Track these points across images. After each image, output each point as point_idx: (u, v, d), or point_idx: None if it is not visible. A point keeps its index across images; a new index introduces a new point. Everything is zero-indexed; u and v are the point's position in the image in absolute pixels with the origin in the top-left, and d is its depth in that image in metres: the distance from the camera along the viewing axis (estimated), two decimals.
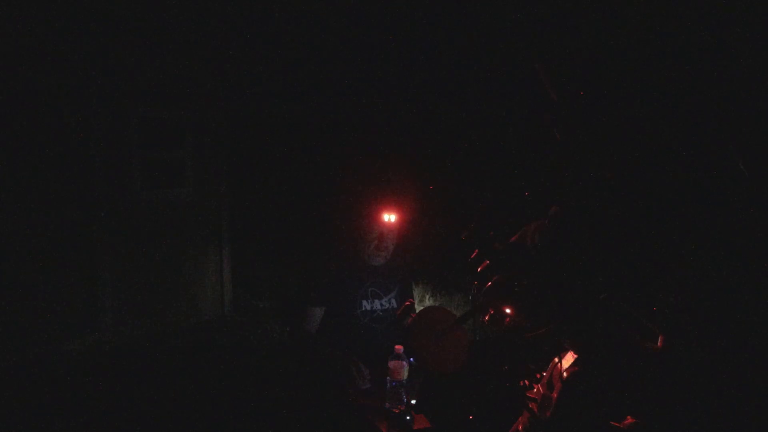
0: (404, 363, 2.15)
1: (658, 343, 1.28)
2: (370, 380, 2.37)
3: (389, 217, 2.67)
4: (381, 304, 2.80)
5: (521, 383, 1.57)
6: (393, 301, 2.85)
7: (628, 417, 1.27)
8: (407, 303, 2.47)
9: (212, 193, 6.15)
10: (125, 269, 5.42)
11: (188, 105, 5.86)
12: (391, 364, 2.14)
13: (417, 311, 2.23)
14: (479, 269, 1.48)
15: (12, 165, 4.68)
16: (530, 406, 1.49)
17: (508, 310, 1.46)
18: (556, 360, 1.50)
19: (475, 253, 1.51)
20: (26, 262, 4.79)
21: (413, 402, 2.11)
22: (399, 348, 2.18)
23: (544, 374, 1.53)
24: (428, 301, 6.66)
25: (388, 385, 2.13)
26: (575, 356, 1.41)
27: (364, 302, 2.76)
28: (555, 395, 1.41)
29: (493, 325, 1.46)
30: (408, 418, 2.04)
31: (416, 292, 6.70)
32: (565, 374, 1.40)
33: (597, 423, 1.29)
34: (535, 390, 1.53)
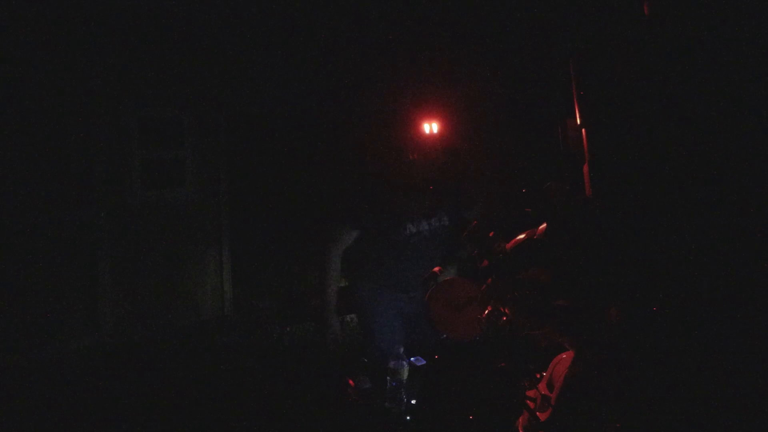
0: (404, 363, 2.16)
1: (657, 342, 1.28)
2: (370, 380, 2.37)
3: (430, 127, 2.47)
4: (429, 224, 2.62)
5: (521, 383, 1.57)
6: (445, 218, 2.66)
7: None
8: (434, 270, 2.42)
9: (212, 193, 6.14)
10: (125, 269, 5.42)
11: (188, 105, 5.86)
12: (392, 364, 2.14)
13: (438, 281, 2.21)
14: (480, 268, 1.49)
15: (12, 165, 4.67)
16: (530, 406, 1.49)
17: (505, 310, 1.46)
18: (556, 360, 1.50)
19: (475, 252, 1.51)
20: (26, 262, 4.79)
21: (413, 402, 2.11)
22: (399, 348, 2.18)
23: (544, 374, 1.53)
24: None
25: (388, 385, 2.13)
26: (575, 356, 1.41)
27: (409, 225, 2.60)
28: (555, 395, 1.41)
29: (492, 322, 1.46)
30: (408, 418, 2.04)
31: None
32: (565, 374, 1.40)
33: (597, 423, 1.29)
34: (535, 390, 1.53)
